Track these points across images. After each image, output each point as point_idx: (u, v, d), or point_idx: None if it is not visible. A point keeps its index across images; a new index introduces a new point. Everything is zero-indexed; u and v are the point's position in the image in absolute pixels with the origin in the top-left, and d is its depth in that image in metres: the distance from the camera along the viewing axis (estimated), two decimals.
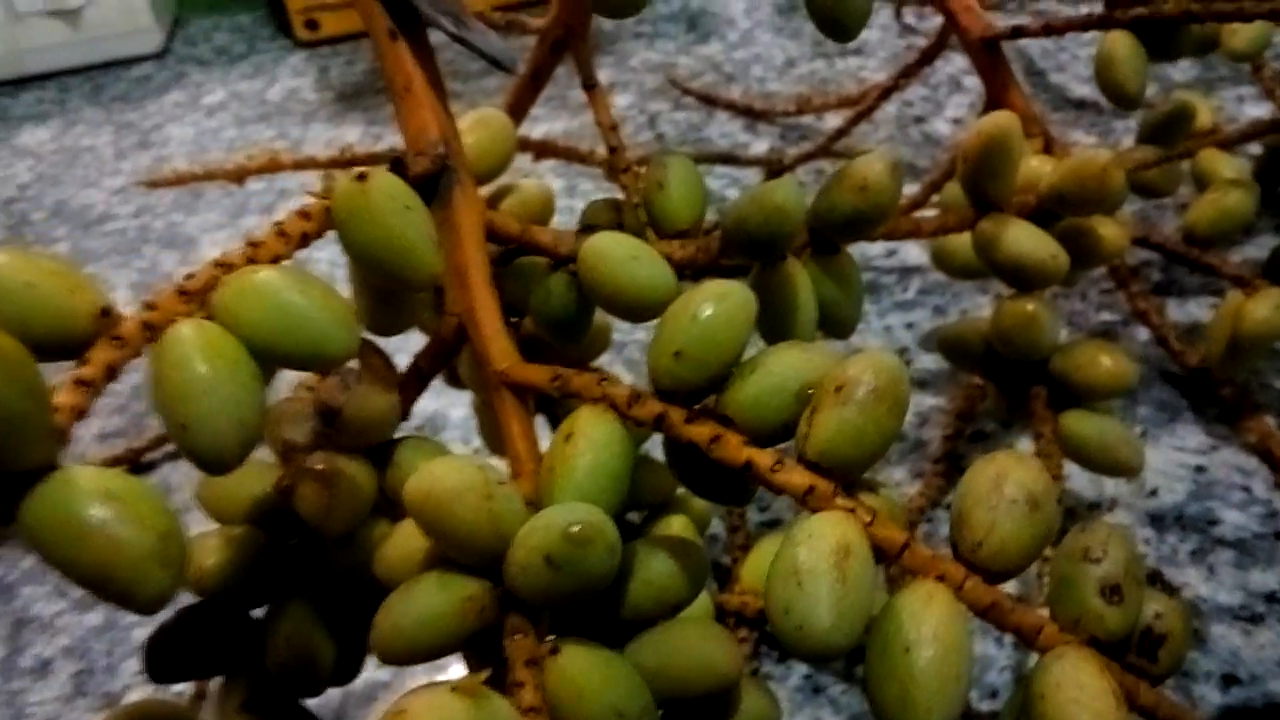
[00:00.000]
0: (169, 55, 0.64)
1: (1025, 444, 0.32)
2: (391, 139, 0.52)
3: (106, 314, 0.15)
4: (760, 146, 0.48)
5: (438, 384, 0.27)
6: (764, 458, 0.17)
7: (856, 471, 0.17)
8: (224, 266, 0.17)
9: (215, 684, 0.27)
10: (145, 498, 0.14)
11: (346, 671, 0.21)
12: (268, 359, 0.16)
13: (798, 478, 0.17)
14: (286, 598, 0.20)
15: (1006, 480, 0.17)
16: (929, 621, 0.16)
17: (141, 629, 0.30)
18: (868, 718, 0.26)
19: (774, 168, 0.44)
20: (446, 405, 0.36)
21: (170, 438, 0.15)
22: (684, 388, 0.18)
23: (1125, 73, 0.30)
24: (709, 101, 0.51)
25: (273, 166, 0.36)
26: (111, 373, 0.15)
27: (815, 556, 0.16)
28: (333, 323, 0.16)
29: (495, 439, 0.26)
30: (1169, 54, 0.31)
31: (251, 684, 0.20)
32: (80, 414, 0.14)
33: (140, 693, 0.29)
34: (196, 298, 0.16)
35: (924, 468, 0.32)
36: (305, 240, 0.18)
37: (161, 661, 0.20)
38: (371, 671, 0.28)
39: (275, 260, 0.17)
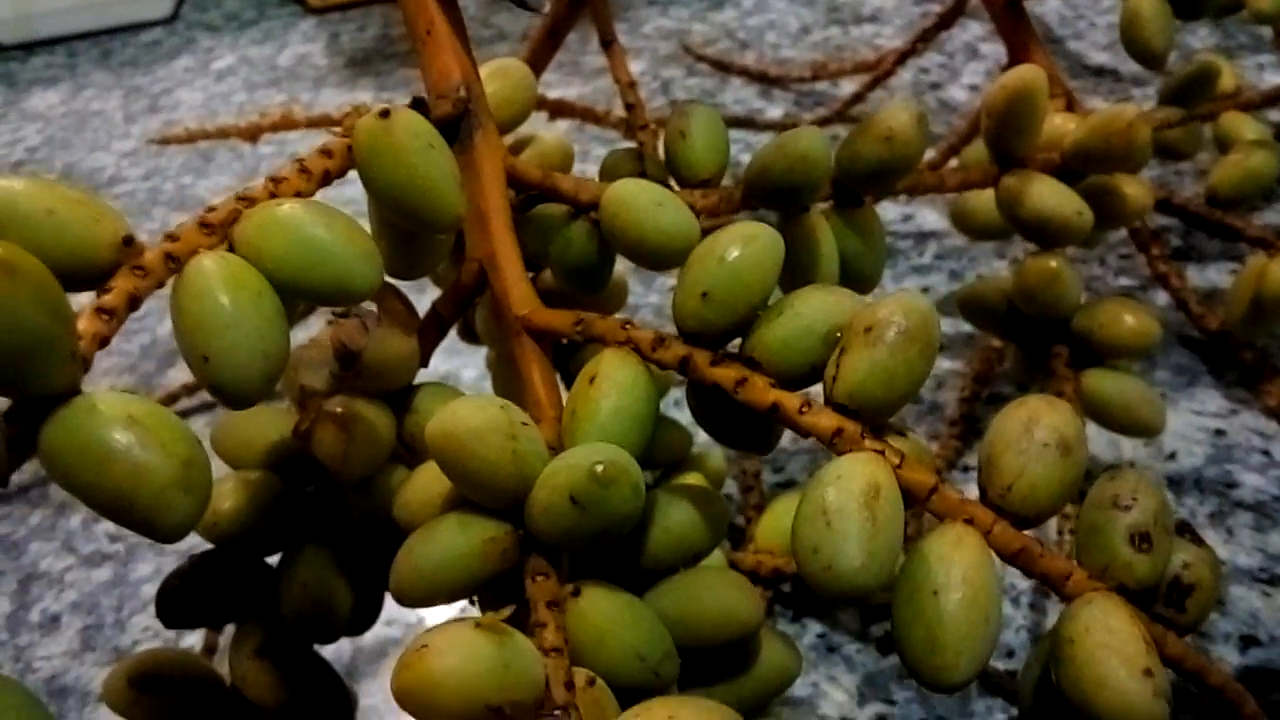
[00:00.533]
0: (178, 21, 0.64)
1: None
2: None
3: (129, 243, 0.15)
4: (775, 113, 0.48)
5: (450, 344, 0.27)
6: (791, 400, 0.17)
7: (885, 414, 0.17)
8: (246, 200, 0.16)
9: (225, 637, 0.27)
10: (169, 424, 0.13)
11: (362, 620, 0.21)
12: (291, 293, 0.16)
13: (825, 420, 0.17)
14: (303, 543, 0.20)
15: (1038, 424, 0.16)
16: (958, 564, 0.16)
17: (150, 585, 0.30)
18: (883, 676, 0.26)
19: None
20: (459, 366, 0.36)
21: (192, 370, 0.15)
22: (710, 330, 0.18)
23: (1151, 30, 0.29)
24: (723, 68, 0.51)
25: (286, 124, 0.35)
26: (134, 302, 0.15)
27: (844, 496, 0.15)
28: (357, 257, 0.16)
29: (511, 395, 0.25)
30: (1195, 12, 0.30)
31: (266, 629, 0.20)
32: (103, 342, 0.14)
33: (149, 647, 0.29)
34: (218, 230, 0.16)
35: (940, 430, 0.32)
36: (328, 178, 0.18)
37: (174, 607, 0.20)
38: (382, 628, 0.28)
39: (297, 197, 0.17)
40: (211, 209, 0.16)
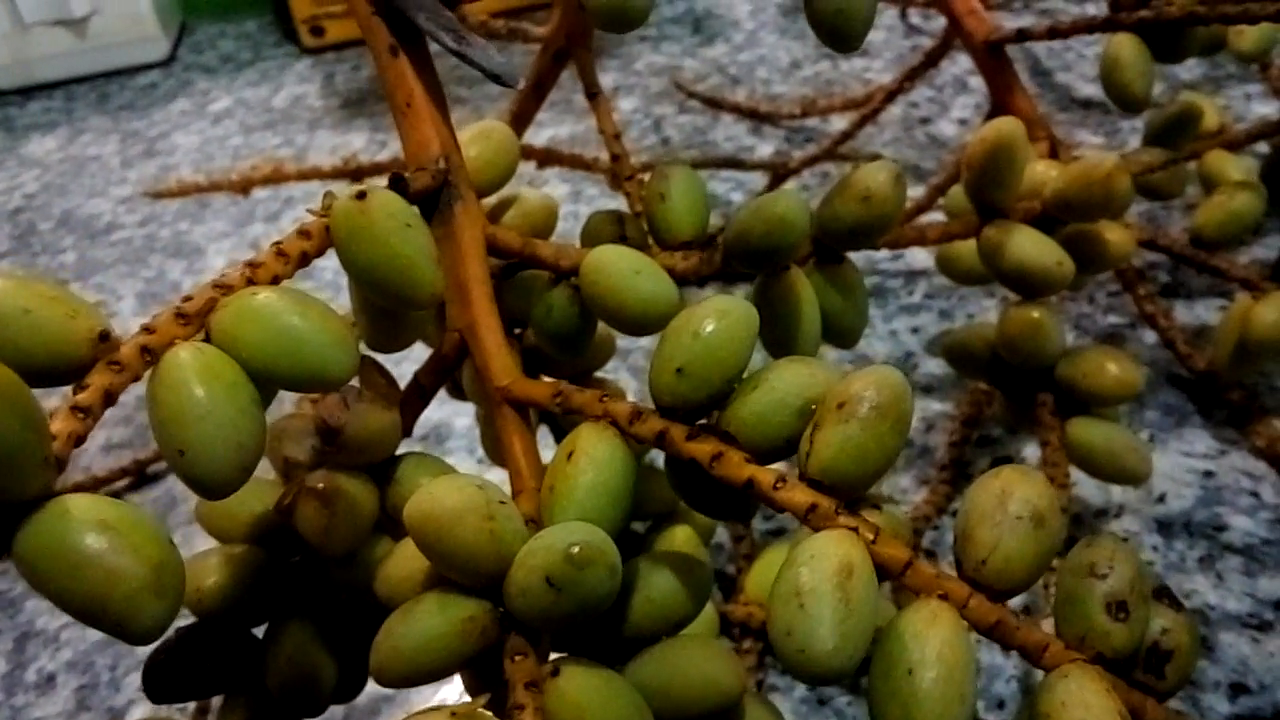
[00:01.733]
0: (175, 63, 0.64)
1: (1032, 450, 0.31)
2: (396, 146, 0.52)
3: (105, 338, 0.15)
4: (766, 149, 0.48)
5: (442, 395, 0.27)
6: (766, 475, 0.17)
7: (859, 489, 0.17)
8: (222, 288, 0.17)
9: (217, 702, 0.27)
10: (140, 527, 0.14)
11: (349, 690, 0.21)
12: (267, 381, 0.16)
13: (800, 496, 0.17)
14: (287, 617, 0.20)
15: (1011, 496, 0.17)
16: (932, 642, 0.16)
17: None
18: None
19: (779, 171, 0.44)
20: (450, 415, 0.36)
21: (168, 462, 0.15)
22: (685, 404, 0.18)
23: (1131, 76, 0.30)
24: (714, 104, 0.51)
25: (277, 177, 0.36)
26: (110, 398, 0.15)
27: (817, 577, 0.15)
28: (332, 344, 0.16)
29: (497, 451, 0.26)
30: (1175, 56, 0.30)
31: (252, 703, 0.20)
32: (78, 441, 0.14)
33: (143, 708, 0.29)
34: (194, 320, 0.16)
35: (930, 474, 0.32)
36: (305, 260, 0.18)
37: (160, 681, 0.20)
38: (374, 685, 0.28)
39: (274, 281, 0.17)
40: (188, 299, 0.16)
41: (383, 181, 0.20)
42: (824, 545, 0.16)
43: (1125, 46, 0.30)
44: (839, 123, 0.48)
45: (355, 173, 0.35)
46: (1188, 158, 0.32)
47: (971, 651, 0.16)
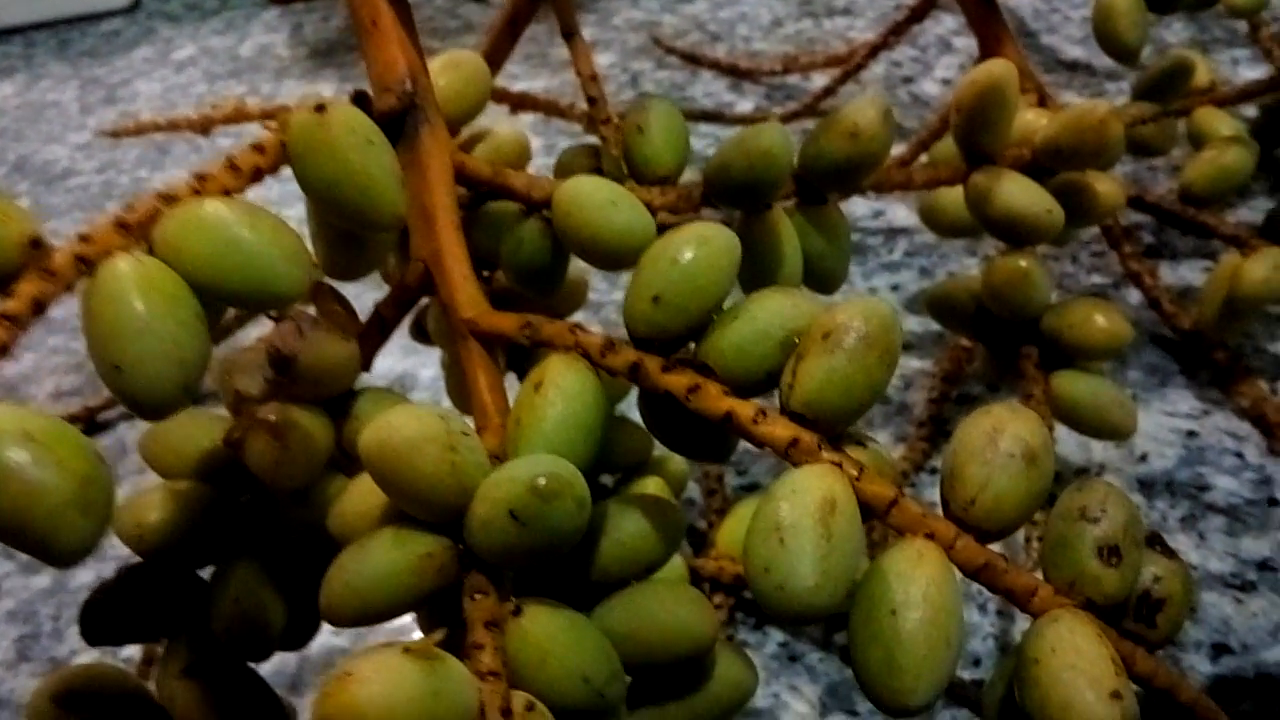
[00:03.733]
0: (139, 10, 0.62)
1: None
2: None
3: (36, 245, 0.14)
4: (745, 106, 0.47)
5: (407, 343, 0.26)
6: (745, 409, 0.16)
7: (843, 423, 0.16)
8: (166, 199, 0.15)
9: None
10: (67, 440, 0.12)
11: (299, 635, 0.20)
12: (212, 297, 0.15)
13: (781, 430, 0.16)
14: (235, 557, 0.19)
15: (1003, 434, 0.16)
16: (918, 582, 0.15)
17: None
18: (846, 686, 0.25)
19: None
20: (415, 365, 0.35)
21: (104, 380, 0.14)
22: (662, 335, 0.17)
23: (1124, 25, 0.29)
24: (693, 60, 0.50)
25: (239, 117, 0.34)
26: (39, 307, 0.14)
27: (798, 512, 0.15)
28: (283, 258, 0.15)
29: (463, 398, 0.25)
30: (1169, 6, 0.30)
31: (195, 648, 0.19)
32: (3, 350, 0.13)
33: (87, 657, 0.28)
34: (136, 231, 0.15)
35: (908, 431, 0.31)
36: (258, 175, 0.17)
37: (99, 622, 0.19)
38: (328, 637, 0.27)
39: (225, 195, 0.16)
40: (130, 208, 0.15)
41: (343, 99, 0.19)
42: (806, 480, 0.15)
43: None
44: (820, 80, 0.47)
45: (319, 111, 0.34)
46: (1178, 112, 0.32)
47: (958, 594, 0.15)
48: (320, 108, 0.17)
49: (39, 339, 0.38)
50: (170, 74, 0.55)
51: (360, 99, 0.19)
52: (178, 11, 0.62)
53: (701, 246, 0.17)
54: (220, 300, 0.15)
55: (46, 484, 0.12)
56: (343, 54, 0.55)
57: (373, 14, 0.21)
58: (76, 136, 0.51)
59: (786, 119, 0.43)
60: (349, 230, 0.18)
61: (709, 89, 0.49)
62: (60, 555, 0.12)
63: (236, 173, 0.17)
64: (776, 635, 0.26)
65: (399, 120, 0.20)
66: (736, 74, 0.49)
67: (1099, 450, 0.29)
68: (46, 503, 0.12)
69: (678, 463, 0.25)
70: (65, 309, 0.15)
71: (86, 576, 0.30)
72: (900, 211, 0.39)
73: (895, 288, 0.36)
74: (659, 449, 0.25)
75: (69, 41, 0.59)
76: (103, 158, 0.49)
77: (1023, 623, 0.25)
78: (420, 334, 0.26)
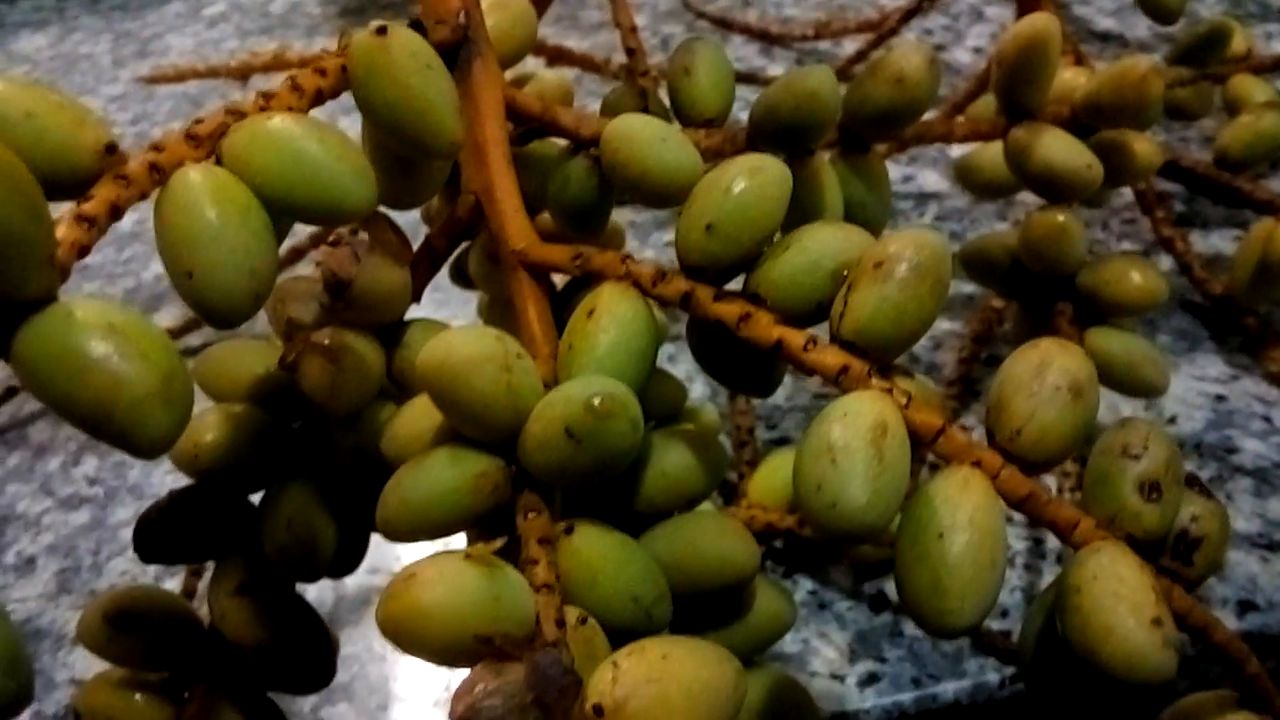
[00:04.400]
0: None
1: None
2: None
3: (112, 151, 0.14)
4: (776, 71, 0.47)
5: (441, 295, 0.26)
6: (796, 337, 0.16)
7: (894, 352, 0.16)
8: (235, 114, 0.16)
9: (204, 582, 0.26)
10: (150, 334, 0.13)
11: (346, 561, 0.21)
12: (280, 210, 0.15)
13: (831, 357, 0.16)
14: (288, 479, 0.19)
15: (1050, 367, 0.16)
16: (964, 507, 0.15)
17: (129, 529, 0.29)
18: (874, 633, 0.25)
19: None
20: (449, 316, 0.35)
21: (176, 287, 0.14)
22: (714, 264, 0.17)
23: None
24: (724, 25, 0.50)
25: (279, 65, 0.35)
26: (115, 211, 0.14)
27: (850, 433, 0.15)
28: (351, 174, 0.15)
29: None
30: None
31: (248, 567, 0.19)
32: (82, 250, 0.13)
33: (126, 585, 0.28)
34: (206, 142, 0.15)
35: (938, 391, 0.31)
36: (320, 97, 0.17)
37: (152, 542, 0.19)
38: (365, 576, 0.27)
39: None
40: (199, 121, 0.15)
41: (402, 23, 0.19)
42: (857, 404, 0.15)
43: None
44: (851, 46, 0.47)
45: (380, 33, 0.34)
46: (1216, 78, 0.32)
47: (1003, 520, 0.15)
48: (382, 30, 0.17)
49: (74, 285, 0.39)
50: (202, 29, 0.55)
51: (417, 27, 0.19)
52: None
53: (754, 177, 0.17)
54: (288, 214, 0.15)
55: (130, 376, 0.12)
56: (374, 12, 0.55)
57: None
58: (110, 89, 0.51)
59: None
60: (404, 157, 0.19)
61: (740, 53, 0.49)
62: (144, 446, 0.12)
63: (299, 93, 0.17)
64: (806, 583, 0.26)
65: (452, 53, 0.20)
66: (767, 39, 0.49)
67: (1128, 410, 0.29)
68: (130, 394, 0.12)
69: (710, 413, 0.26)
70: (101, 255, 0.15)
71: (125, 513, 0.30)
72: (931, 176, 0.40)
73: None
74: (690, 400, 0.25)
75: None
76: (136, 110, 0.49)
77: (1050, 576, 0.26)
78: (460, 278, 0.26)
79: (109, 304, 0.13)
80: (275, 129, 0.15)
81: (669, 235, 0.39)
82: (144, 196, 0.14)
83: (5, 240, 0.12)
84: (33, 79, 0.14)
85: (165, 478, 0.31)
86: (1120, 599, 0.15)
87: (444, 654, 0.14)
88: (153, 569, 0.28)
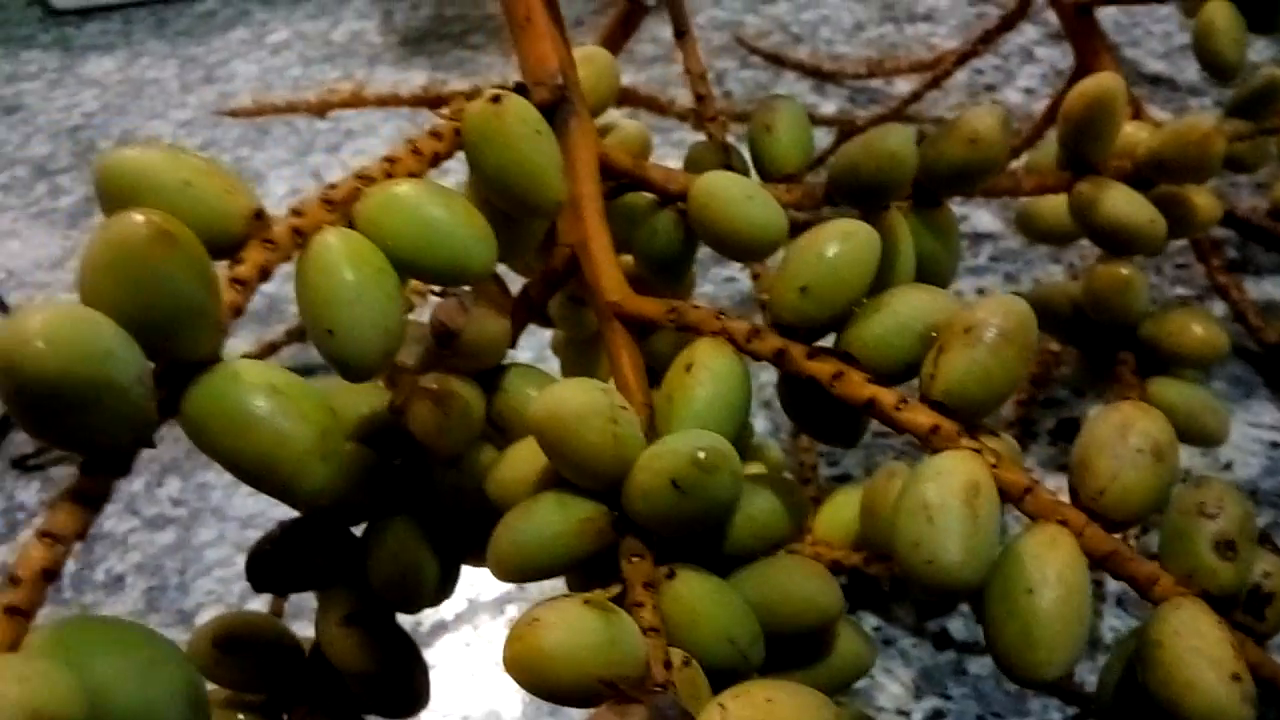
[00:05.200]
0: None
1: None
2: (456, 85, 0.52)
3: (259, 217, 0.15)
4: (829, 109, 0.48)
5: None
6: (888, 396, 0.17)
7: (981, 413, 0.17)
8: (364, 179, 0.17)
9: (291, 605, 0.27)
10: (307, 393, 0.14)
11: (440, 593, 0.21)
12: (408, 271, 0.16)
13: (923, 417, 0.17)
14: (392, 514, 0.20)
15: (1132, 429, 0.17)
16: (1052, 564, 0.16)
17: (213, 549, 0.31)
18: (938, 671, 0.26)
19: (846, 129, 0.44)
20: (518, 348, 0.36)
21: (315, 343, 0.15)
22: (807, 323, 0.18)
23: (1225, 42, 0.30)
24: (777, 61, 0.51)
25: (356, 102, 0.36)
26: (264, 274, 0.15)
27: (945, 493, 0.16)
28: (474, 238, 0.16)
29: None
30: (1269, 26, 0.30)
31: (353, 598, 0.20)
32: (238, 312, 0.14)
33: (212, 611, 0.29)
34: (339, 207, 0.16)
35: None
36: (436, 160, 0.18)
37: (264, 571, 0.20)
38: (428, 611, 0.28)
39: (410, 177, 0.17)
40: (333, 186, 0.16)
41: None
42: (950, 463, 0.16)
43: (1219, 13, 0.30)
44: (903, 85, 0.47)
45: (435, 101, 0.35)
46: (1272, 131, 0.32)
47: (1088, 576, 0.16)
48: (497, 99, 0.18)
49: None
50: (266, 56, 0.57)
51: (521, 91, 0.20)
52: None
53: (847, 241, 0.18)
54: (415, 274, 0.16)
55: (291, 433, 0.13)
56: (433, 42, 0.56)
57: (526, 11, 0.22)
58: (178, 113, 0.52)
59: (872, 123, 0.44)
60: (509, 214, 0.20)
61: (792, 90, 0.50)
62: (304, 497, 0.13)
63: (419, 156, 0.18)
64: (871, 620, 0.27)
65: (550, 112, 0.21)
66: (820, 76, 0.50)
67: (1186, 458, 0.30)
68: (292, 450, 0.13)
69: (774, 451, 0.26)
70: None
71: (209, 534, 0.31)
72: (984, 217, 0.40)
73: (980, 291, 0.37)
74: (755, 438, 0.26)
75: (166, 21, 0.61)
76: (205, 135, 0.50)
77: (1112, 620, 0.26)
78: (539, 317, 0.27)
79: (269, 365, 0.14)
80: (404, 195, 0.16)
81: (727, 271, 0.40)
82: (288, 259, 0.15)
83: (185, 310, 0.13)
84: (181, 148, 0.15)
85: (246, 500, 0.32)
86: (1201, 654, 0.15)
87: (565, 694, 0.15)
88: (238, 588, 0.29)
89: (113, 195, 0.14)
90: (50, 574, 0.12)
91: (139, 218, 0.12)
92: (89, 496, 0.13)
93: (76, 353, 0.11)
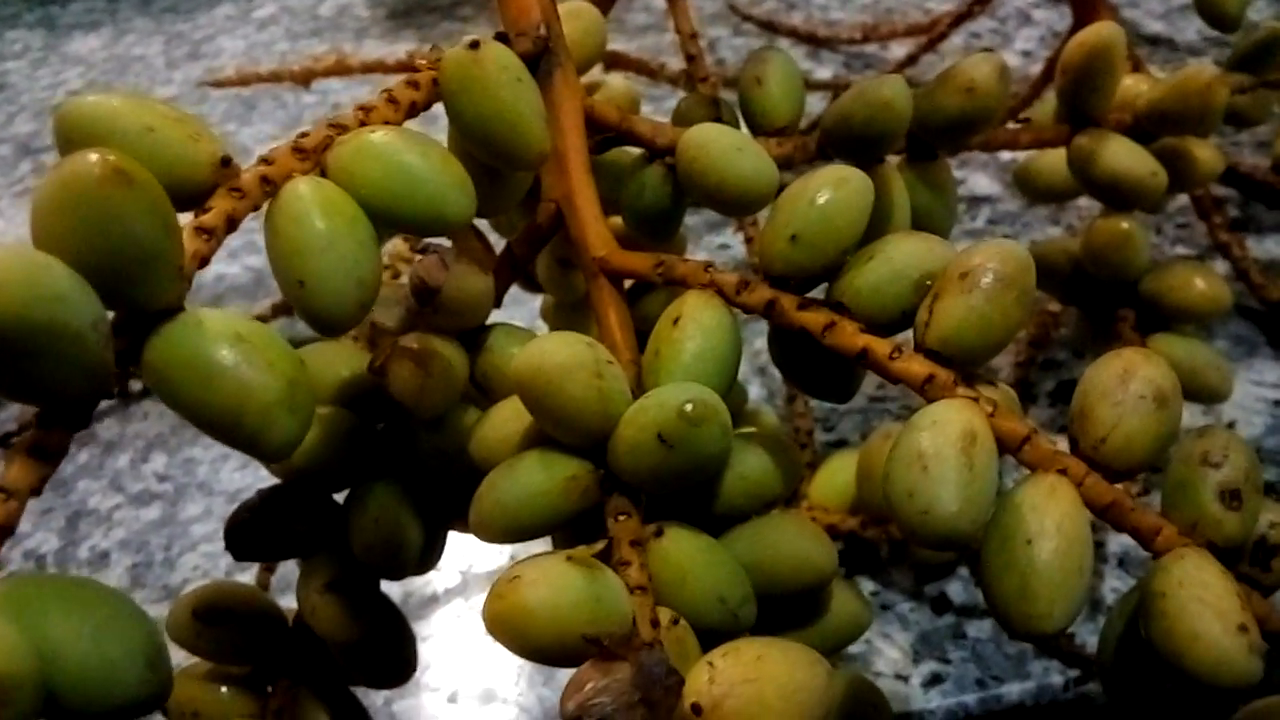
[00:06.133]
0: None
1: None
2: None
3: (226, 164, 0.15)
4: (824, 74, 0.47)
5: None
6: (881, 345, 0.17)
7: (978, 361, 0.17)
8: (337, 128, 0.16)
9: (277, 577, 0.27)
10: (274, 343, 0.13)
11: (426, 559, 0.21)
12: (383, 220, 0.16)
13: (917, 366, 0.16)
14: (374, 479, 0.20)
15: (1134, 376, 0.16)
16: (1051, 514, 0.15)
17: (199, 525, 0.30)
18: (936, 634, 0.26)
19: (841, 92, 0.43)
20: (507, 318, 0.36)
21: (286, 295, 0.15)
22: (798, 273, 0.17)
23: None
24: (770, 28, 0.50)
25: (340, 70, 0.35)
26: (232, 223, 0.15)
27: (940, 442, 0.15)
28: (452, 185, 0.16)
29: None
30: None
31: (336, 565, 0.20)
32: (203, 261, 0.14)
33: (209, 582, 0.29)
34: (311, 155, 0.16)
35: None
36: (414, 109, 0.18)
37: (244, 540, 0.20)
38: (423, 584, 0.28)
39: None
40: (304, 134, 0.16)
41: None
42: (946, 412, 0.16)
43: None
44: (898, 50, 0.47)
45: (474, 48, 0.34)
46: (1274, 85, 0.32)
47: (1089, 527, 0.16)
48: (474, 45, 0.18)
49: None
50: (252, 31, 0.56)
51: (502, 39, 0.20)
52: None
53: (839, 188, 0.18)
54: (391, 224, 0.16)
55: (258, 383, 0.13)
56: (421, 15, 0.56)
57: None
58: (164, 90, 0.52)
59: None
60: (490, 166, 0.19)
61: None
62: (271, 450, 0.13)
63: (395, 106, 0.17)
64: (868, 585, 0.27)
65: (533, 63, 0.21)
66: (815, 42, 0.49)
67: (1188, 416, 0.29)
68: (258, 400, 0.13)
69: (769, 416, 0.26)
70: None
71: (195, 509, 0.31)
72: (981, 180, 0.40)
73: None
74: (750, 403, 0.26)
75: None
76: (191, 111, 0.49)
77: (1113, 581, 0.26)
78: (527, 282, 0.27)
79: (234, 314, 0.13)
80: (378, 142, 0.16)
81: (721, 238, 0.39)
82: (256, 208, 0.15)
83: (142, 254, 0.12)
84: (146, 95, 0.15)
85: (233, 474, 0.31)
86: (1206, 605, 0.15)
87: (548, 652, 0.14)
88: (224, 563, 0.29)
89: (71, 141, 0.14)
90: (4, 530, 0.12)
91: (93, 156, 0.12)
92: (45, 450, 0.12)
93: (25, 296, 0.11)
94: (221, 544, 0.29)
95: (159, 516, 0.31)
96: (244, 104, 0.49)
